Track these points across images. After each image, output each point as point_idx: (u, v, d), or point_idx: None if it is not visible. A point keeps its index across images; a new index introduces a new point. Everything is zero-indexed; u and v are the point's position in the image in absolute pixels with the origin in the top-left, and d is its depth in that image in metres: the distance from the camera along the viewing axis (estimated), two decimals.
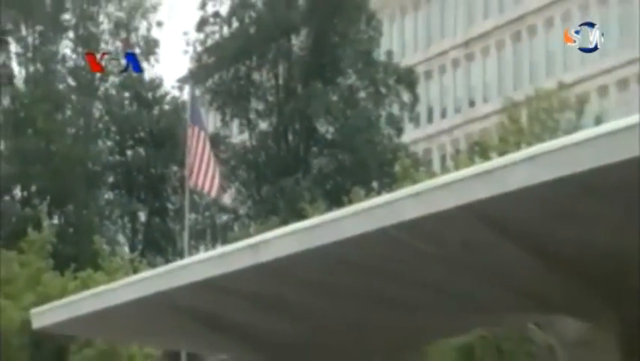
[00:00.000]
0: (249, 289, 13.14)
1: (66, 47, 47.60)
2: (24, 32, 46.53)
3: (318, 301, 13.48)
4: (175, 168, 46.11)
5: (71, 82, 47.46)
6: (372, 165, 43.65)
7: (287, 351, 15.12)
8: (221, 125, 49.54)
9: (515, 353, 33.50)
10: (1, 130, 46.22)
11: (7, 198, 45.43)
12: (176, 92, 50.88)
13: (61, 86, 46.81)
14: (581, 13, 44.98)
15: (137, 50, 48.47)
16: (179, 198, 45.54)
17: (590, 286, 11.42)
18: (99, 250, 36.98)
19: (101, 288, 16.31)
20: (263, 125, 47.29)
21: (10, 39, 46.78)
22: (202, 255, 16.88)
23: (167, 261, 39.13)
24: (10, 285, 32.70)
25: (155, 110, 48.98)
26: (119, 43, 48.49)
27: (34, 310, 16.76)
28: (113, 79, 48.80)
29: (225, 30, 47.73)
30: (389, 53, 47.71)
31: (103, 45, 47.92)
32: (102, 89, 48.69)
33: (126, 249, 46.61)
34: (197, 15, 48.11)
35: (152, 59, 49.14)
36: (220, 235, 46.24)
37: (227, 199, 39.52)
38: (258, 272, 12.30)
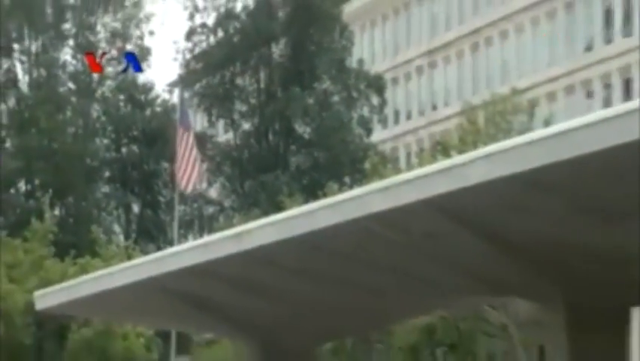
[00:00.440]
0: (232, 274, 13.12)
1: (66, 54, 47.56)
2: (28, 40, 46.34)
3: (296, 285, 13.48)
4: (165, 164, 45.98)
5: (71, 85, 47.29)
6: (345, 162, 43.68)
7: (267, 330, 15.11)
8: (207, 125, 49.42)
9: (472, 331, 33.61)
10: (7, 129, 46.11)
11: (12, 191, 45.25)
12: (166, 95, 50.80)
13: (62, 90, 46.60)
14: (532, 26, 45.15)
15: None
16: (169, 192, 45.45)
17: (539, 272, 11.47)
18: (96, 238, 36.86)
19: (98, 273, 16.23)
20: (246, 125, 47.22)
21: (14, 46, 46.59)
22: (190, 243, 16.85)
23: (159, 248, 38.98)
24: (15, 270, 32.54)
25: (148, 112, 48.84)
26: (114, 51, 48.35)
27: (37, 293, 16.68)
28: (110, 83, 48.68)
29: (212, 39, 47.64)
30: (360, 61, 47.74)
31: (101, 52, 47.77)
32: (99, 92, 48.52)
33: (121, 238, 46.46)
34: (186, 25, 48.14)
35: (144, 65, 49.06)
36: (207, 225, 46.18)
37: (202, 189, 39.10)
38: (241, 259, 12.28)
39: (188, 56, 48.14)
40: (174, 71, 54.75)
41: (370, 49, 51.99)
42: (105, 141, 48.76)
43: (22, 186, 46.23)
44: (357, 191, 11.54)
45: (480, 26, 47.47)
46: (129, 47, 48.31)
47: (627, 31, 41.45)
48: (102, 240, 37.33)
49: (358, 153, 43.91)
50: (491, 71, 46.44)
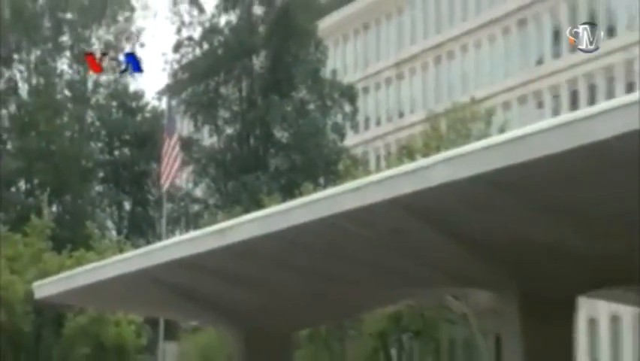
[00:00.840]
0: (216, 266, 13.09)
1: (63, 64, 47.32)
2: (27, 51, 46.15)
3: (274, 276, 13.47)
4: (155, 166, 45.79)
5: (68, 93, 47.05)
6: (320, 164, 43.73)
7: (248, 318, 15.09)
8: (193, 130, 49.28)
9: (435, 319, 33.72)
10: (8, 132, 45.87)
11: (13, 189, 44.99)
12: (155, 102, 50.64)
13: (59, 96, 46.35)
14: (490, 42, 45.38)
15: (122, 67, 48.22)
16: (158, 191, 45.22)
17: (497, 265, 11.53)
18: (91, 233, 36.70)
19: (93, 265, 16.17)
20: (229, 130, 47.14)
21: (15, 57, 46.37)
22: (177, 238, 16.80)
23: (148, 243, 38.84)
24: (15, 262, 32.36)
25: (138, 117, 48.68)
26: (107, 62, 48.15)
27: (35, 283, 16.59)
28: (103, 90, 48.49)
29: (197, 51, 47.54)
30: (334, 72, 47.82)
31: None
32: (94, 99, 48.32)
33: (113, 233, 46.30)
34: (173, 39, 47.99)
35: (136, 74, 48.93)
36: (192, 221, 46.01)
37: (179, 186, 38.70)
38: (224, 252, 12.26)
39: (175, 66, 48.01)
40: (163, 80, 54.70)
41: (343, 61, 52.05)
42: (99, 144, 48.55)
43: (22, 185, 45.97)
44: (330, 191, 11.56)
45: (442, 41, 47.64)
46: (121, 58, 48.15)
47: (573, 47, 41.80)
48: (96, 235, 37.18)
49: (332, 156, 43.97)
50: (452, 82, 46.61)
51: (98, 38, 47.73)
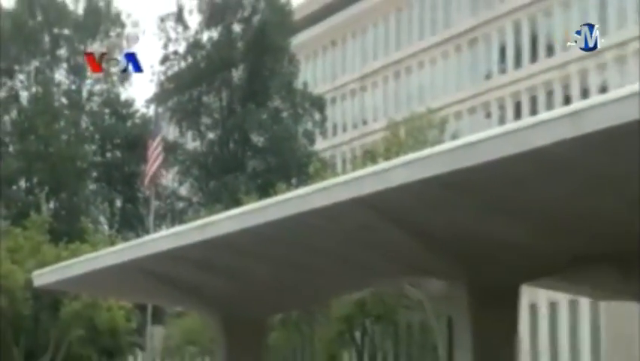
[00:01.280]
0: (199, 257, 13.04)
1: (61, 75, 46.88)
2: (27, 63, 45.82)
3: (251, 267, 13.44)
4: (143, 167, 45.53)
5: (64, 101, 46.66)
6: (292, 166, 43.65)
7: (227, 304, 15.04)
8: (178, 135, 49.02)
9: (395, 305, 33.80)
10: (10, 136, 45.45)
11: (14, 187, 44.61)
12: (144, 110, 50.23)
13: (56, 104, 45.92)
14: (443, 58, 45.58)
15: (115, 78, 47.95)
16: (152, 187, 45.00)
17: (449, 257, 11.59)
18: (85, 227, 36.42)
19: (87, 256, 16.04)
20: (210, 135, 46.91)
21: (16, 67, 46.00)
22: (164, 232, 16.73)
23: (137, 236, 38.57)
24: (16, 253, 32.06)
25: (129, 123, 48.29)
26: (100, 73, 47.84)
27: (34, 273, 16.43)
28: (97, 98, 48.14)
29: (182, 64, 47.24)
30: (305, 84, 47.73)
31: (89, 73, 47.33)
32: (88, 106, 47.88)
33: (106, 227, 45.93)
34: (160, 52, 47.74)
35: (126, 84, 48.66)
36: (177, 217, 45.73)
37: (159, 184, 38.20)
38: (206, 245, 12.22)
39: (162, 77, 47.70)
40: (151, 90, 54.31)
41: (313, 74, 52.03)
42: (93, 147, 48.15)
43: (22, 183, 45.52)
44: (301, 190, 11.56)
45: (402, 57, 47.79)
46: (113, 70, 47.87)
47: (518, 63, 42.10)
48: (90, 229, 36.89)
49: (303, 159, 43.90)
50: (410, 94, 46.77)
51: (92, 52, 47.34)
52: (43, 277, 15.92)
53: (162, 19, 47.09)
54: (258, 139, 46.24)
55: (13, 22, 44.98)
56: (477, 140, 8.82)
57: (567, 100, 37.71)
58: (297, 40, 48.65)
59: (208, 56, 46.44)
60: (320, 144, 47.61)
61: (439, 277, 13.09)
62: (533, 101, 40.98)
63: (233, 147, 46.47)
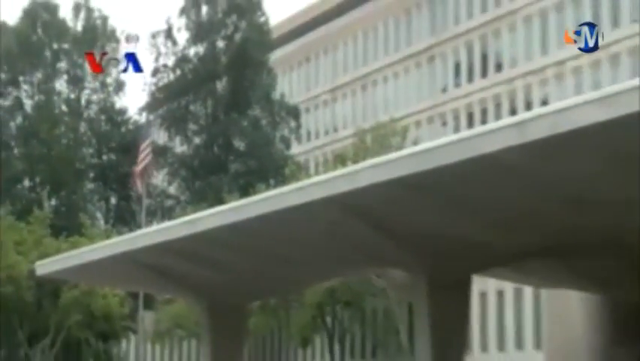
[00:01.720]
0: (186, 250, 12.97)
1: (62, 85, 46.53)
2: (31, 75, 45.45)
3: (233, 258, 13.40)
4: (135, 168, 45.21)
5: (64, 108, 46.30)
6: (270, 169, 43.58)
7: (211, 291, 14.97)
8: (168, 139, 48.74)
9: (362, 292, 33.89)
10: (15, 139, 45.02)
11: (19, 186, 44.18)
12: (137, 117, 49.95)
13: (57, 111, 45.58)
14: (405, 73, 45.74)
15: (110, 88, 47.68)
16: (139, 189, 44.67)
17: (410, 250, 11.63)
18: (83, 223, 36.09)
19: (84, 248, 15.89)
20: (196, 140, 46.68)
21: (20, 79, 45.57)
22: (154, 227, 16.62)
23: (130, 231, 38.30)
24: (20, 246, 31.75)
25: (123, 129, 47.98)
26: (97, 84, 47.53)
27: (37, 263, 16.24)
28: (94, 106, 47.79)
29: (171, 76, 47.01)
30: (282, 95, 47.67)
31: (87, 84, 47.04)
32: (86, 113, 47.55)
33: (102, 222, 45.57)
34: (152, 65, 47.50)
35: (120, 94, 48.37)
36: (167, 213, 45.48)
37: (147, 184, 37.87)
38: (192, 239, 12.16)
39: (153, 88, 47.45)
40: (143, 99, 53.89)
41: (289, 86, 51.99)
42: (90, 150, 47.75)
43: (26, 182, 45.09)
44: (278, 190, 11.56)
45: (368, 72, 47.91)
46: (109, 80, 47.58)
47: (470, 79, 42.38)
48: (88, 224, 36.57)
49: (280, 162, 43.86)
50: (376, 105, 46.90)
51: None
52: (45, 267, 15.75)
53: (153, 36, 46.87)
54: (239, 144, 46.14)
55: (18, 38, 44.68)
56: (435, 146, 8.88)
57: (513, 111, 38.05)
58: (275, 56, 48.65)
59: (194, 69, 46.31)
60: (295, 149, 47.60)
61: (401, 268, 13.15)
62: (484, 112, 41.32)
63: (217, 151, 46.33)
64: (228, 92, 46.20)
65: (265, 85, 46.20)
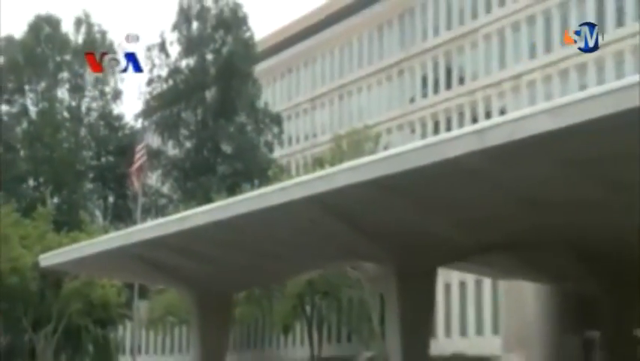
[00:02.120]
0: (177, 244, 12.92)
1: (64, 94, 46.07)
2: (36, 84, 45.04)
3: (220, 252, 13.36)
4: (131, 170, 44.85)
5: (66, 115, 45.82)
6: (255, 171, 43.46)
7: (200, 282, 14.91)
8: (161, 143, 48.46)
9: (338, 284, 33.88)
10: (21, 143, 44.60)
11: (24, 185, 43.75)
12: (133, 123, 49.56)
13: (59, 117, 45.14)
14: (378, 85, 45.83)
15: (109, 96, 47.35)
16: (134, 188, 44.33)
17: (382, 245, 11.67)
18: (83, 219, 35.79)
19: (84, 243, 15.77)
20: (187, 144, 46.44)
21: (26, 87, 45.16)
22: (149, 223, 16.56)
23: (127, 227, 37.97)
24: (25, 240, 31.39)
25: (120, 133, 47.60)
26: (96, 92, 47.18)
27: (41, 256, 16.11)
28: (94, 113, 47.35)
29: (164, 86, 46.74)
30: (266, 103, 47.54)
31: (87, 93, 46.71)
32: (86, 119, 47.11)
33: (100, 219, 45.18)
34: (146, 76, 47.19)
35: (118, 101, 48.01)
36: (160, 211, 45.17)
37: (143, 184, 37.55)
38: (183, 234, 12.10)
39: (148, 96, 47.16)
40: (138, 107, 53.44)
41: (272, 95, 51.87)
42: (90, 153, 47.33)
43: (31, 182, 44.65)
44: (262, 190, 11.54)
45: (344, 83, 47.97)
46: (107, 89, 47.24)
47: (436, 90, 42.58)
48: (87, 220, 36.27)
49: (264, 165, 43.77)
50: (351, 113, 46.95)
51: (90, 74, 46.68)
52: (48, 259, 15.61)
53: (148, 49, 46.64)
54: (227, 148, 45.99)
55: (23, 50, 44.40)
56: (404, 150, 8.92)
57: (474, 120, 38.30)
58: (259, 68, 48.57)
59: (186, 79, 46.14)
60: (278, 153, 47.54)
61: (374, 262, 13.18)
62: (448, 120, 41.57)
63: (206, 154, 46.14)
64: (216, 100, 46.05)
65: (250, 94, 46.10)
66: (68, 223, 36.27)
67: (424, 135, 40.80)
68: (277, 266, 14.49)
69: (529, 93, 37.49)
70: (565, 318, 18.73)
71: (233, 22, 45.84)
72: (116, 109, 48.35)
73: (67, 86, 46.31)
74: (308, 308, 37.81)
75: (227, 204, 11.49)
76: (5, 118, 44.58)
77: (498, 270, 16.14)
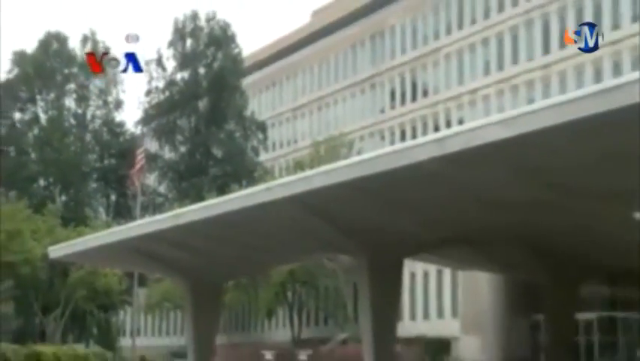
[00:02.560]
0: (172, 238, 12.83)
1: (71, 103, 45.63)
2: (46, 94, 44.60)
3: (211, 245, 13.30)
4: (131, 171, 44.47)
5: (73, 122, 45.43)
6: (243, 173, 43.42)
7: (193, 272, 14.82)
8: (158, 148, 48.16)
9: (317, 273, 33.88)
10: (32, 147, 44.11)
11: (35, 185, 43.23)
12: (133, 129, 49.15)
13: (67, 124, 44.75)
14: (351, 97, 45.93)
15: (111, 106, 47.01)
16: (134, 188, 43.93)
17: (355, 239, 11.69)
18: (88, 216, 35.51)
19: (89, 236, 15.61)
20: (182, 148, 46.25)
21: (37, 97, 44.71)
22: (147, 219, 16.44)
23: (127, 222, 37.56)
24: (36, 234, 31.03)
25: (121, 139, 47.23)
26: (100, 102, 46.80)
27: (50, 248, 15.90)
28: (98, 120, 46.93)
29: (161, 96, 46.50)
30: (252, 112, 47.47)
31: (92, 102, 46.28)
32: (91, 126, 46.70)
33: (103, 216, 44.78)
34: (145, 87, 46.88)
35: (120, 110, 47.58)
36: (157, 208, 44.82)
37: (140, 184, 37.16)
38: (178, 229, 12.03)
39: (146, 105, 46.91)
40: (138, 115, 52.97)
41: (258, 105, 51.71)
42: (94, 156, 46.94)
43: (41, 182, 44.21)
44: (249, 190, 11.50)
45: (322, 95, 47.98)
46: (110, 99, 46.87)
47: (403, 102, 42.74)
48: (91, 217, 36.00)
49: (251, 167, 43.80)
50: (328, 122, 46.99)
51: (94, 86, 46.34)
52: (56, 251, 15.41)
53: (147, 63, 46.42)
54: (217, 152, 45.86)
55: (34, 64, 44.14)
56: (375, 156, 8.95)
57: (436, 128, 38.53)
58: (247, 81, 48.52)
59: (180, 90, 46.01)
60: (263, 157, 47.45)
61: (348, 254, 13.20)
62: (414, 129, 41.80)
63: (199, 158, 45.98)
64: (208, 110, 45.93)
65: (238, 104, 46.05)
66: (75, 219, 35.91)
67: (392, 142, 40.95)
68: (262, 258, 14.47)
69: (484, 106, 37.90)
70: (514, 303, 18.98)
71: (224, 40, 45.76)
72: (118, 117, 48.01)
73: (74, 96, 45.97)
74: (289, 295, 37.80)
75: (217, 203, 11.45)
76: (18, 125, 44.28)
77: (457, 261, 16.28)
